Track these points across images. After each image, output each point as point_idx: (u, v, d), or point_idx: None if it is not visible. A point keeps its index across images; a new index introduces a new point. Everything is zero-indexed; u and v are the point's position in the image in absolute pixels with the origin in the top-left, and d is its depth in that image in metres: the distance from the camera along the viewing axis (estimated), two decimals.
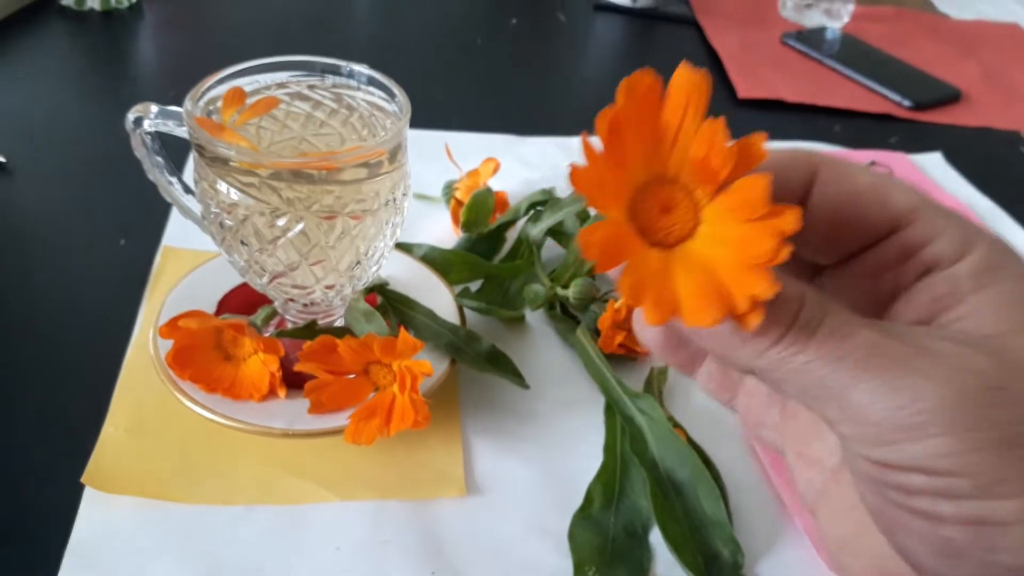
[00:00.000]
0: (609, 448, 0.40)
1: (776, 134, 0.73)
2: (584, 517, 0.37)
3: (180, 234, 0.52)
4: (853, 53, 0.90)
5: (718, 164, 0.18)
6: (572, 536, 0.36)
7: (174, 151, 0.41)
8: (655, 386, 0.44)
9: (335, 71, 0.39)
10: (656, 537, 0.37)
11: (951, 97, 0.84)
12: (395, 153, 0.36)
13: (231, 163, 0.34)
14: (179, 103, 0.36)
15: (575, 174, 0.18)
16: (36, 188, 0.57)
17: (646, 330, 0.24)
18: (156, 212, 0.53)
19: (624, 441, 0.40)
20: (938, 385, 0.18)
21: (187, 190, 0.41)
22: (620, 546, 0.36)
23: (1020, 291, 0.20)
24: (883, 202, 0.21)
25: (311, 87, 0.39)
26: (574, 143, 0.68)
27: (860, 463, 0.20)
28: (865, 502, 0.21)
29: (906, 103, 0.81)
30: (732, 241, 0.18)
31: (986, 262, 0.20)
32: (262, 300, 0.42)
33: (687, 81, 0.18)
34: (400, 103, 0.36)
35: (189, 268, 0.46)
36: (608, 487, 0.38)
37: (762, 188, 0.18)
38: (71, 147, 0.61)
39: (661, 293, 0.18)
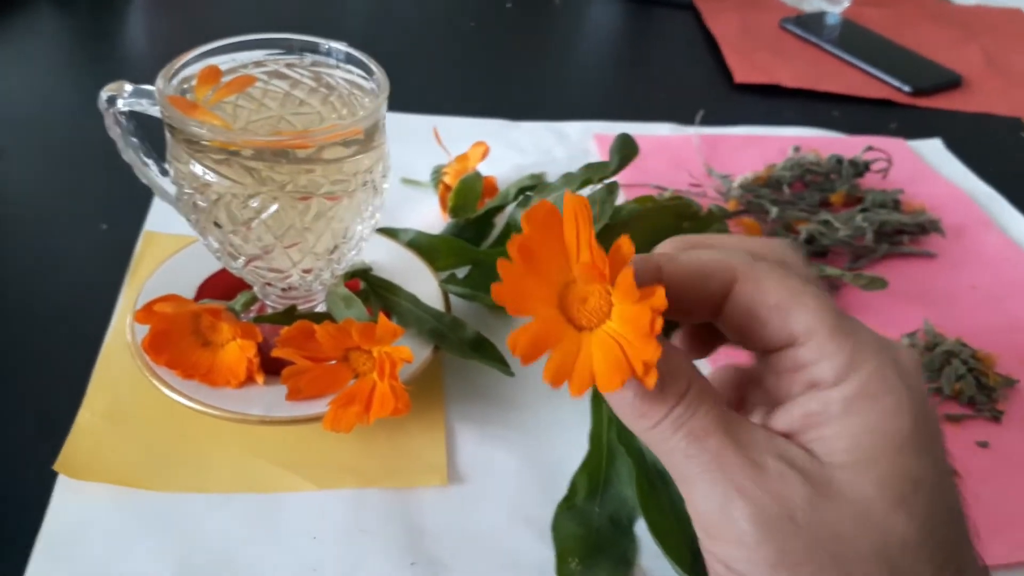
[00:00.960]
0: (595, 437, 0.39)
1: (773, 120, 0.72)
2: (568, 508, 0.36)
3: (162, 219, 0.51)
4: (853, 38, 0.88)
5: (601, 265, 0.22)
6: (556, 527, 0.36)
7: (158, 132, 0.40)
8: None
9: (313, 49, 0.38)
10: (642, 528, 0.36)
11: (952, 83, 0.82)
12: (372, 132, 0.35)
13: (203, 142, 0.33)
14: None
15: (495, 291, 0.22)
16: (18, 171, 0.56)
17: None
18: (139, 197, 0.52)
19: (610, 430, 0.39)
20: (746, 503, 0.22)
21: (164, 171, 0.40)
22: (605, 537, 0.35)
23: (879, 425, 0.22)
24: (783, 321, 0.24)
25: (289, 65, 0.38)
26: (567, 128, 0.67)
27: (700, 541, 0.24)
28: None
29: (906, 89, 0.80)
30: (626, 319, 0.22)
31: (860, 390, 0.23)
32: (242, 286, 0.41)
33: (572, 204, 0.23)
34: (378, 80, 0.35)
35: (170, 253, 0.45)
36: (593, 477, 0.38)
37: (629, 279, 0.22)
38: (54, 131, 0.60)
39: (579, 371, 0.22)
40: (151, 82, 0.37)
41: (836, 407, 0.23)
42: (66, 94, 0.65)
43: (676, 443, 0.23)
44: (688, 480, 0.23)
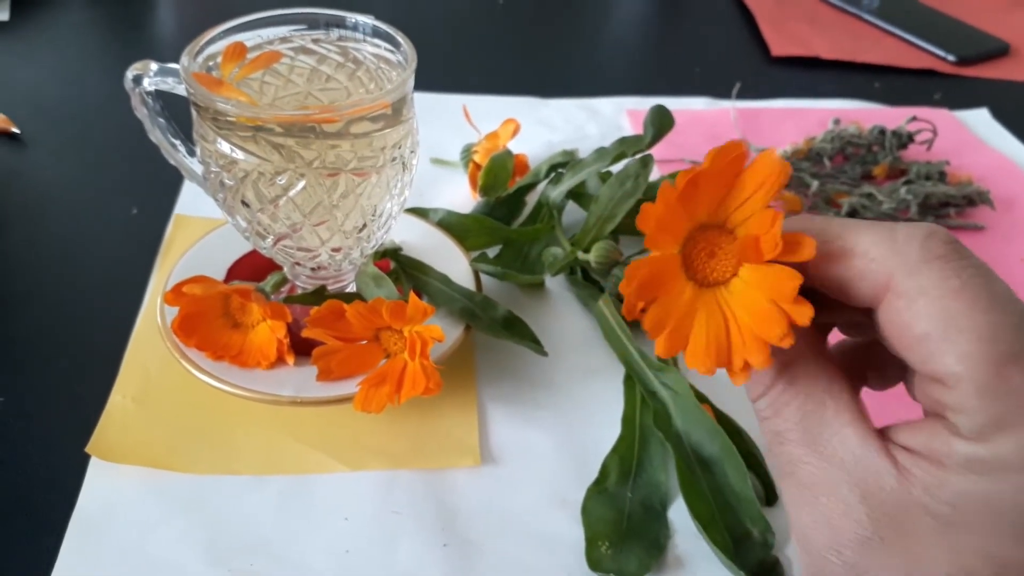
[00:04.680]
0: (628, 420, 0.38)
1: (812, 92, 0.70)
2: (599, 491, 0.35)
3: (192, 202, 0.51)
4: (893, 7, 0.86)
5: (767, 249, 0.21)
6: (586, 510, 0.35)
7: (185, 112, 0.40)
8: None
9: (340, 23, 0.37)
10: (675, 513, 0.35)
11: (998, 51, 0.79)
12: (400, 106, 0.34)
13: (229, 119, 0.32)
14: None
15: (645, 210, 0.21)
16: (49, 157, 0.56)
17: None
18: (168, 180, 0.52)
19: (644, 414, 0.38)
20: (800, 524, 0.22)
21: (191, 152, 0.40)
22: (636, 522, 0.34)
23: (989, 498, 0.19)
24: (928, 356, 0.20)
25: (316, 40, 0.37)
26: (599, 105, 0.66)
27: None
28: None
29: (950, 58, 0.77)
30: (752, 311, 0.21)
31: (989, 458, 0.19)
32: (272, 266, 0.41)
33: (771, 165, 0.21)
34: (405, 53, 0.35)
35: (200, 235, 0.44)
36: (625, 461, 0.37)
37: (792, 287, 0.20)
38: (84, 116, 0.60)
39: (677, 330, 0.21)
40: None
41: (957, 460, 0.20)
42: (95, 79, 0.65)
43: (765, 428, 0.23)
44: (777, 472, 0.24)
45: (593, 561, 0.33)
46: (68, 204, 0.52)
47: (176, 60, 0.35)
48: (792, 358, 0.22)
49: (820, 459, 0.22)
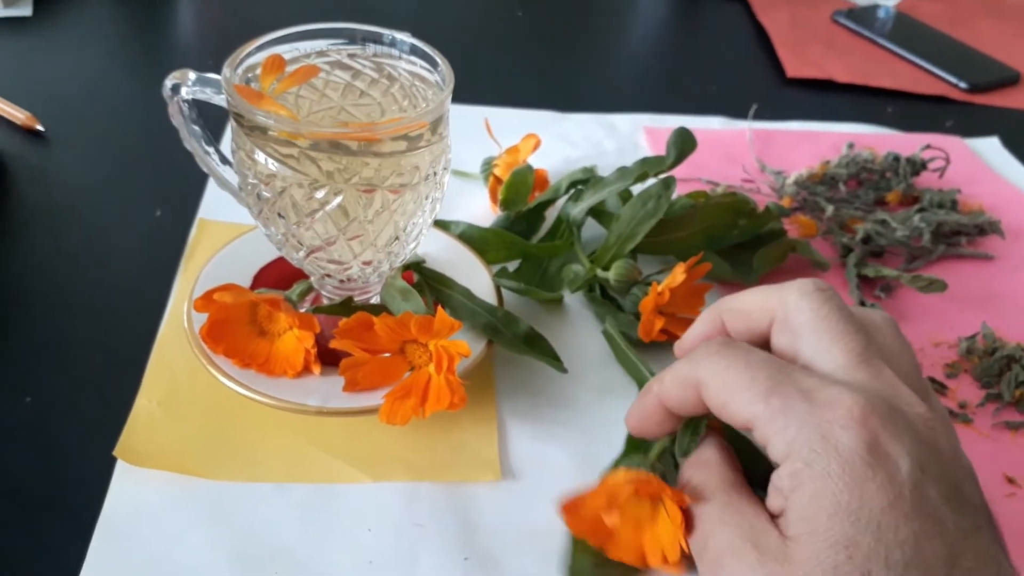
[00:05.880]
0: (632, 441, 0.39)
1: (826, 115, 0.71)
2: None
3: (216, 206, 0.51)
4: (907, 32, 0.86)
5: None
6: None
7: (211, 120, 0.40)
8: None
9: (377, 39, 0.37)
10: None
11: (1010, 79, 0.80)
12: (437, 125, 0.34)
13: (270, 132, 0.33)
14: (219, 72, 0.35)
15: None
16: (73, 157, 0.56)
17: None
18: (193, 183, 0.52)
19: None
20: None
21: (224, 160, 0.40)
22: None
23: (816, 494, 0.24)
24: (733, 417, 0.27)
25: (351, 56, 0.37)
26: (616, 121, 0.66)
27: None
28: None
29: (962, 85, 0.78)
30: None
31: (802, 465, 0.25)
32: (298, 274, 0.41)
33: None
34: (443, 73, 0.35)
35: (225, 240, 0.45)
36: None
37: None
38: (109, 116, 0.61)
39: None
40: (204, 68, 0.37)
41: (786, 483, 0.25)
42: (119, 80, 0.66)
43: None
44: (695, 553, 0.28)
45: None
46: (92, 204, 0.52)
47: (199, 59, 0.36)
48: (711, 461, 0.30)
49: (725, 527, 0.26)
